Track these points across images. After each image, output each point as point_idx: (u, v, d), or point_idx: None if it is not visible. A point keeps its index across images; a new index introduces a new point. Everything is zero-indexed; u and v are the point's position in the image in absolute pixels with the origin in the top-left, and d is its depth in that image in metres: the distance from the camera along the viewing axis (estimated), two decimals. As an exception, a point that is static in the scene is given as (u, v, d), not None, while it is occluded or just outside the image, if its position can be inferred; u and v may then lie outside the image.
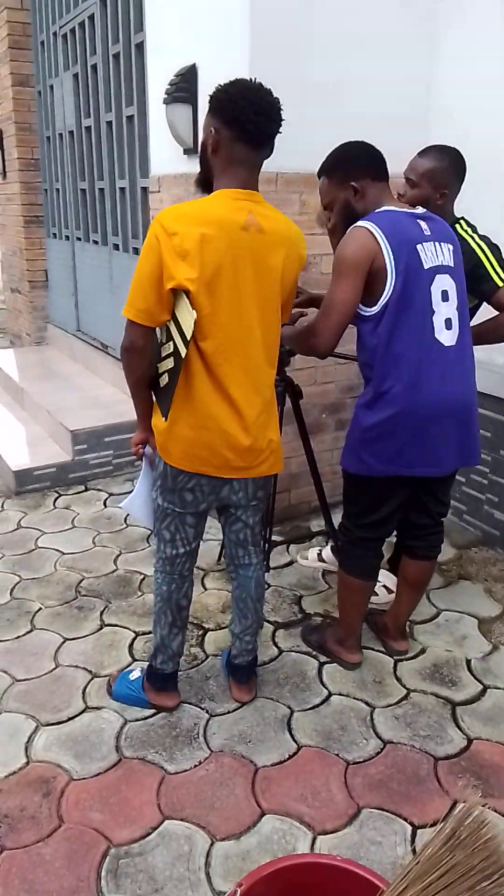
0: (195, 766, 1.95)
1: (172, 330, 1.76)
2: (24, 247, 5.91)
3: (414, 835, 1.76)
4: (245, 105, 1.69)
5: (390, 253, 1.88)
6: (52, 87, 5.23)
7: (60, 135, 5.19)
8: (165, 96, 3.13)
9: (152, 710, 2.15)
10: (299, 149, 2.35)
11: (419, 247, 1.91)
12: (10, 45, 5.37)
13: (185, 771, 1.94)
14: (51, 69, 5.21)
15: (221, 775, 1.93)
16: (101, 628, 2.59)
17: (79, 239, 5.24)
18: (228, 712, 2.16)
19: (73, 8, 4.57)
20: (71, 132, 4.99)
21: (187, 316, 1.70)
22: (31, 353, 5.91)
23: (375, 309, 1.93)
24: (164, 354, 1.82)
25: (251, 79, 1.75)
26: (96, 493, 3.87)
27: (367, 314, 1.96)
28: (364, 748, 2.04)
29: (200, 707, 2.18)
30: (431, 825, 1.74)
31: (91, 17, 4.31)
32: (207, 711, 2.16)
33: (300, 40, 2.82)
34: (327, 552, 3.05)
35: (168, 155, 3.44)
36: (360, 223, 1.93)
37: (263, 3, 2.70)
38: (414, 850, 1.70)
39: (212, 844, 1.72)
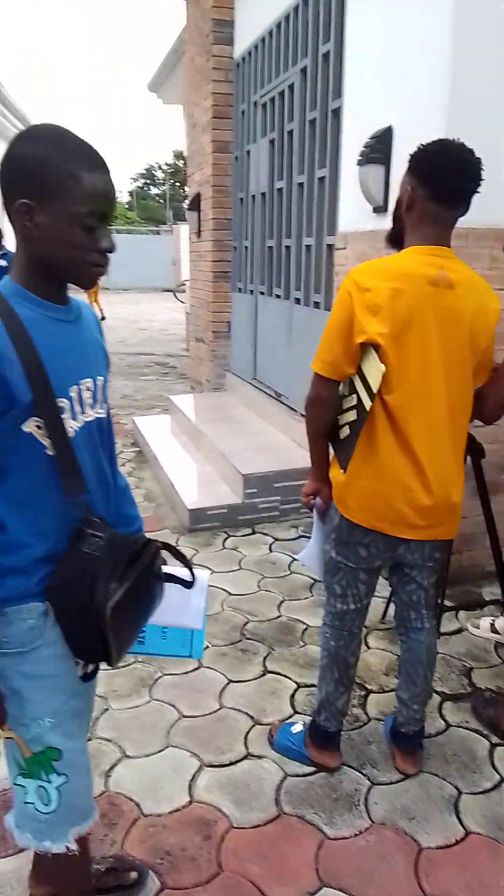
0: (355, 834, 1.88)
1: (357, 383, 1.77)
2: (210, 300, 6.29)
3: None
4: (443, 163, 1.70)
5: None
6: (248, 152, 5.59)
7: (253, 196, 5.52)
8: (360, 157, 3.23)
9: (313, 768, 2.11)
10: (491, 204, 2.31)
11: None
12: (214, 114, 5.83)
13: (345, 838, 1.87)
14: (249, 136, 5.58)
15: (382, 849, 1.84)
16: (263, 674, 2.61)
17: (262, 293, 5.48)
18: (391, 783, 2.07)
19: (275, 78, 4.89)
20: (263, 193, 5.28)
21: (375, 370, 1.71)
22: (210, 399, 6.22)
23: None
24: (345, 407, 1.84)
25: (453, 138, 1.76)
26: (263, 536, 3.95)
27: None
28: (541, 847, 1.86)
29: (362, 772, 2.11)
30: None
31: (291, 87, 4.58)
32: (369, 778, 2.09)
33: (496, 96, 2.79)
34: (501, 623, 2.87)
35: (356, 213, 3.52)
36: None
37: (462, 65, 2.72)
38: None
39: (370, 923, 1.64)
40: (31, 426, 1.16)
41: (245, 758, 2.17)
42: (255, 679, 2.58)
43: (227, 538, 3.90)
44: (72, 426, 1.22)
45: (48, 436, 1.17)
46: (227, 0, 5.60)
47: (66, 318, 1.25)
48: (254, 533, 4.00)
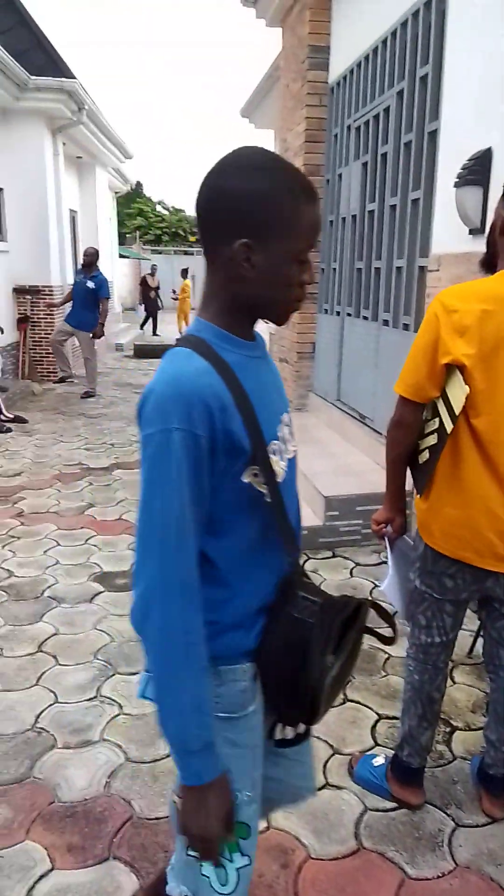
0: (438, 876, 1.81)
1: (440, 406, 1.74)
2: (296, 321, 6.30)
3: None
4: None
5: None
6: (340, 175, 5.61)
7: (343, 218, 5.53)
8: (457, 179, 3.19)
9: (394, 803, 2.05)
10: None
11: None
12: (307, 138, 5.88)
13: (427, 879, 1.80)
14: (341, 159, 5.60)
15: (467, 893, 1.76)
16: (343, 702, 2.56)
17: (349, 314, 5.46)
18: (477, 825, 1.98)
19: (370, 102, 4.90)
20: (353, 216, 5.28)
21: (458, 391, 1.67)
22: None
23: None
24: (427, 431, 1.81)
25: None
26: (343, 560, 3.90)
27: None
28: None
29: (446, 812, 2.03)
30: None
31: (386, 110, 4.58)
32: (453, 819, 2.00)
33: None
34: None
35: (451, 235, 3.47)
36: None
37: None
38: None
39: None
40: (249, 476, 1.08)
41: (324, 787, 2.12)
42: (335, 707, 2.53)
43: (307, 560, 3.87)
44: (280, 467, 1.14)
45: (265, 482, 1.09)
46: (323, 26, 5.67)
47: (258, 354, 1.16)
48: (334, 556, 3.95)
